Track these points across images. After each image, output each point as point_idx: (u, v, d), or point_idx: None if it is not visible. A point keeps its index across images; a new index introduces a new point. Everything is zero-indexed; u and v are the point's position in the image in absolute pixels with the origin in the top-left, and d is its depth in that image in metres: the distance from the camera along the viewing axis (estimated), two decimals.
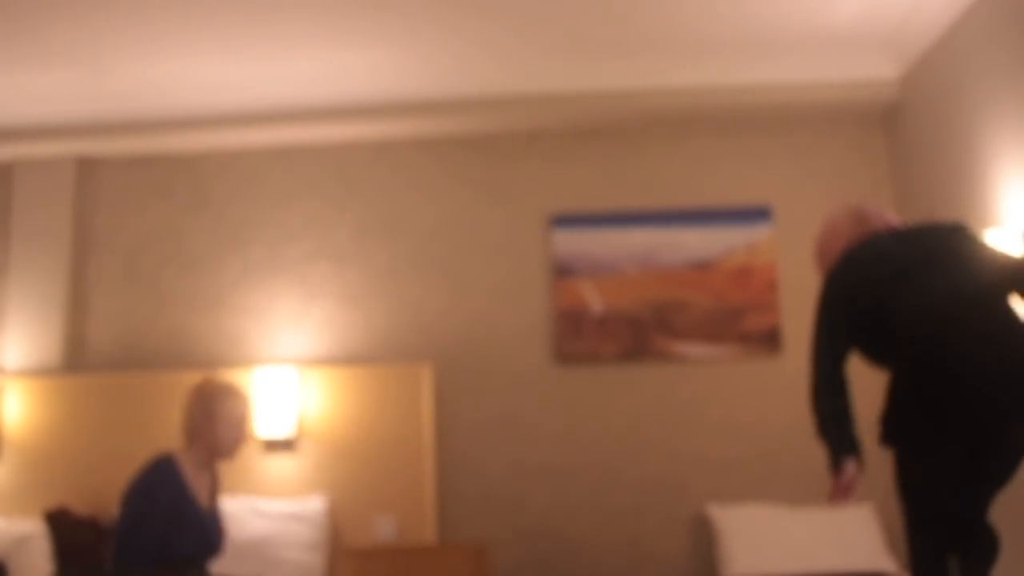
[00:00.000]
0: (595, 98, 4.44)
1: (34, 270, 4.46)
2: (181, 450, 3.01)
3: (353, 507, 4.06)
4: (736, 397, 4.30)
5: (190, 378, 3.35)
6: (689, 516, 4.20)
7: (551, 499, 4.26)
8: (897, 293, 2.43)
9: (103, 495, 3.88)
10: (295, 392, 4.14)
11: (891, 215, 2.87)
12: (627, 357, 4.33)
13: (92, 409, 4.13)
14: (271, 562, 3.79)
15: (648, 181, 4.51)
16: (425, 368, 4.22)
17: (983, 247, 2.50)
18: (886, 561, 3.79)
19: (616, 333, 4.34)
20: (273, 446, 4.14)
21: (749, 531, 3.95)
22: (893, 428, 2.42)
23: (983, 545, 2.46)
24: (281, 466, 4.13)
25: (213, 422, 2.99)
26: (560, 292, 4.38)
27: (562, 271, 4.40)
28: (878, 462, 4.22)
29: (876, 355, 2.55)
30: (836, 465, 2.45)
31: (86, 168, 4.61)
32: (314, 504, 3.99)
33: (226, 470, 4.01)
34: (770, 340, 4.31)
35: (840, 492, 2.45)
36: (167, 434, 3.32)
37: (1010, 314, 2.34)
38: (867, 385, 2.88)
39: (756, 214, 4.41)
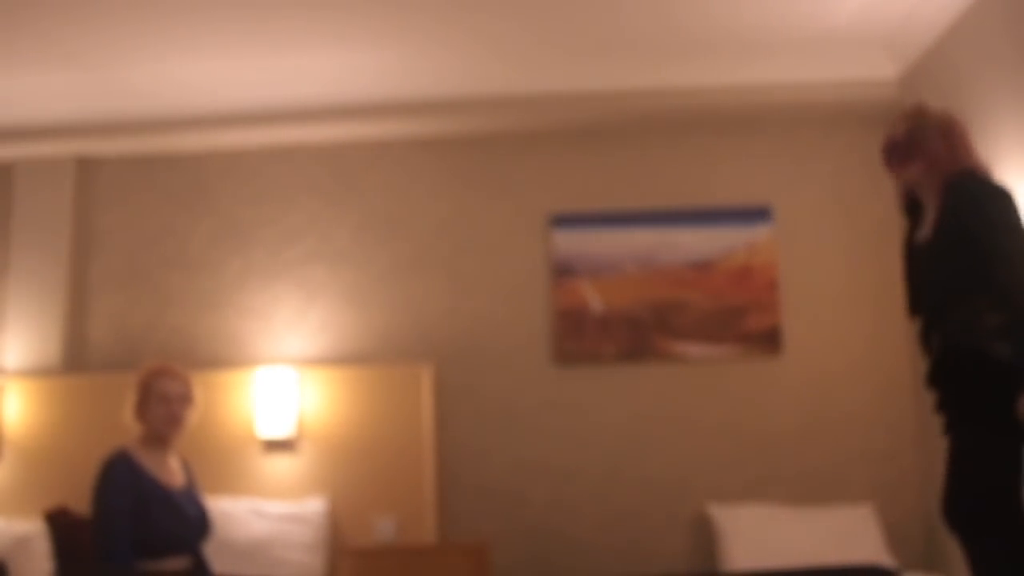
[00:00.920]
0: (595, 98, 4.44)
1: (34, 270, 4.45)
2: (134, 441, 3.18)
3: (353, 507, 4.06)
4: (736, 397, 4.30)
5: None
6: (689, 516, 4.20)
7: (551, 499, 4.26)
8: None
9: None
10: (295, 392, 4.14)
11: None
12: (627, 357, 4.33)
13: (92, 409, 4.12)
14: (271, 563, 3.78)
15: (648, 181, 4.51)
16: (425, 368, 4.21)
17: None
18: (886, 561, 3.79)
19: (616, 333, 4.34)
20: (273, 446, 4.13)
21: (749, 531, 3.95)
22: None
23: None
24: (281, 466, 4.13)
25: (148, 403, 3.19)
26: (560, 292, 4.38)
27: (562, 271, 4.40)
28: (878, 462, 4.24)
29: None
30: None
31: (86, 168, 4.61)
32: (314, 505, 3.99)
33: (226, 471, 4.04)
34: (770, 340, 4.31)
35: None
36: None
37: None
38: None
39: (756, 214, 4.41)
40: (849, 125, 4.50)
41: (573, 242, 4.42)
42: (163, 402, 3.20)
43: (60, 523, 3.58)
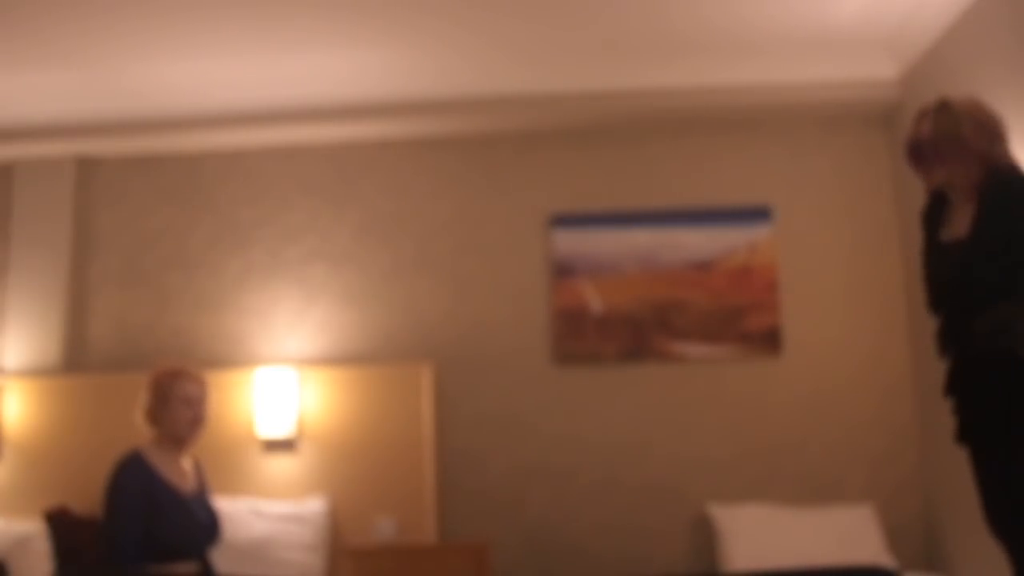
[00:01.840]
0: (595, 98, 4.44)
1: (34, 270, 4.45)
2: (148, 443, 3.13)
3: (353, 507, 4.06)
4: (736, 397, 4.30)
5: None
6: (689, 516, 4.20)
7: (551, 499, 4.26)
8: None
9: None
10: (295, 392, 4.14)
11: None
12: (627, 357, 4.33)
13: (92, 409, 4.13)
14: (272, 563, 3.78)
15: (648, 181, 4.51)
16: (425, 368, 4.21)
17: None
18: (886, 561, 3.79)
19: (616, 333, 4.34)
20: (273, 446, 4.13)
21: (749, 531, 3.95)
22: None
23: None
24: (281, 466, 4.13)
25: (167, 406, 3.13)
26: (560, 292, 4.38)
27: (562, 271, 4.39)
28: (878, 462, 4.24)
29: None
30: None
31: (86, 168, 4.61)
32: (314, 505, 3.99)
33: (226, 471, 4.04)
34: (770, 340, 4.31)
35: None
36: None
37: None
38: None
39: (756, 214, 4.41)
40: (849, 125, 4.50)
41: (573, 242, 4.42)
42: (186, 405, 3.16)
43: (60, 523, 3.58)
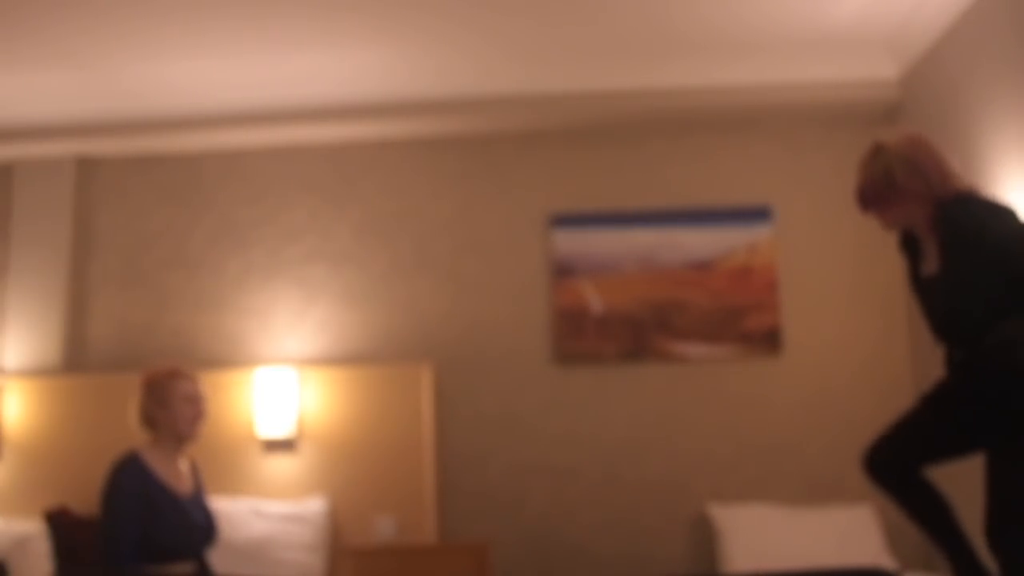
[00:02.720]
0: (595, 98, 4.44)
1: (34, 270, 4.45)
2: (146, 444, 3.12)
3: (353, 507, 4.06)
4: (736, 397, 4.30)
5: None
6: (689, 516, 4.20)
7: (551, 499, 4.26)
8: None
9: None
10: (295, 392, 4.14)
11: None
12: (627, 357, 4.33)
13: (92, 409, 4.12)
14: (272, 563, 3.78)
15: (648, 181, 4.51)
16: (425, 368, 4.21)
17: None
18: (886, 561, 3.79)
19: (616, 333, 4.34)
20: (273, 446, 4.13)
21: (749, 531, 3.95)
22: None
23: None
24: (281, 466, 4.13)
25: (167, 406, 3.12)
26: (560, 292, 4.38)
27: (562, 271, 4.40)
28: None
29: None
30: None
31: (86, 168, 4.61)
32: (314, 505, 3.99)
33: (226, 471, 4.04)
34: (770, 340, 4.31)
35: None
36: None
37: None
38: None
39: (756, 214, 4.41)
40: (849, 125, 4.50)
41: (573, 242, 4.42)
42: (188, 403, 3.16)
43: (60, 523, 3.58)
